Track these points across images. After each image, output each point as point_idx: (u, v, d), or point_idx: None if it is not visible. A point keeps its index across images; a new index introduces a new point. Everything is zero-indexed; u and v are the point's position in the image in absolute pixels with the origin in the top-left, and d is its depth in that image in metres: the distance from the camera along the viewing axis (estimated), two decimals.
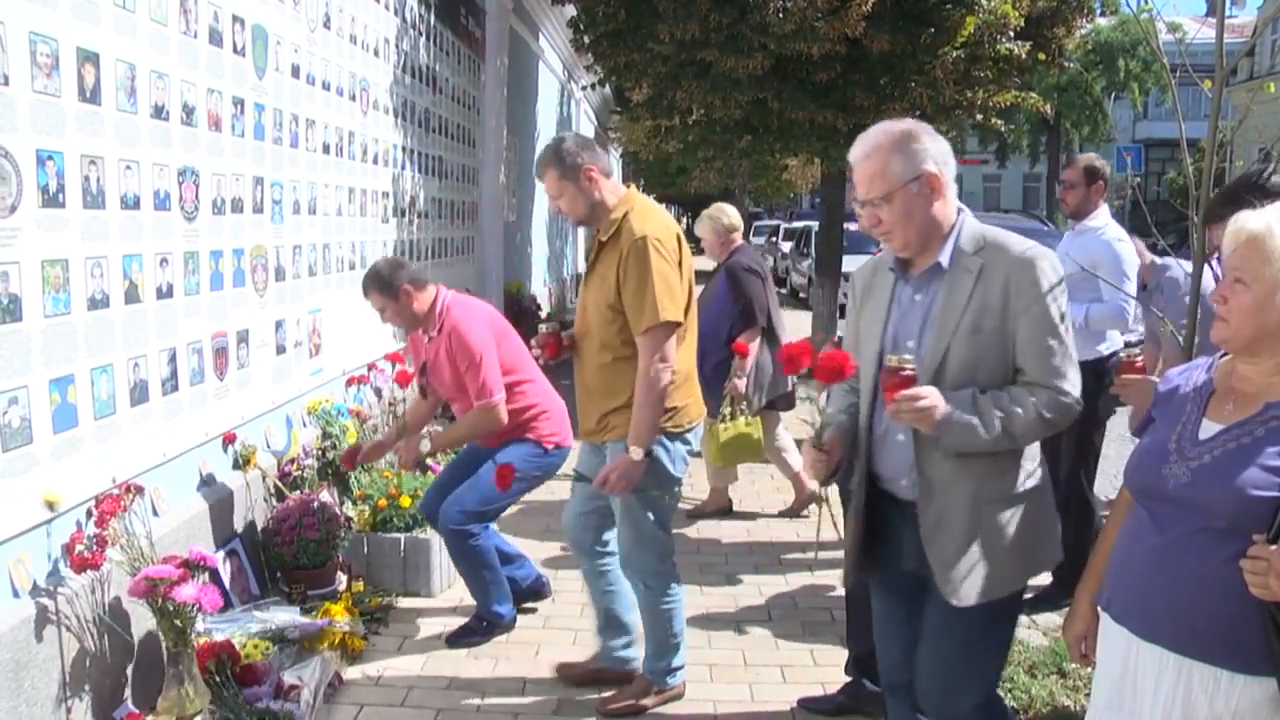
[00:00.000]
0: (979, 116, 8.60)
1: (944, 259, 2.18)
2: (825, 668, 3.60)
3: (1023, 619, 4.01)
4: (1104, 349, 4.14)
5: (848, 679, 3.33)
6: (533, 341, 3.26)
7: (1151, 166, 34.56)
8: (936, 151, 2.16)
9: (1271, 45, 28.01)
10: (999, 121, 8.91)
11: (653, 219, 3.01)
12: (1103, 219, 4.22)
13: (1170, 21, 4.61)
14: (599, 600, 3.40)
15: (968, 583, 2.16)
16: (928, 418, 2.04)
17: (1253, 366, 1.75)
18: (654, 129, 10.64)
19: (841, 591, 3.96)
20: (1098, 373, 4.08)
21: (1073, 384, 2.13)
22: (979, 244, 2.17)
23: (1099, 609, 1.94)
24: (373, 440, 4.18)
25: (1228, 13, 4.11)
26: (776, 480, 6.09)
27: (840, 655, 3.62)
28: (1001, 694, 3.39)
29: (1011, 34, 7.74)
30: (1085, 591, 2.07)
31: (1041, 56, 8.22)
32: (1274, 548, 1.54)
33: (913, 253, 2.21)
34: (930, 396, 2.05)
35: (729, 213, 5.07)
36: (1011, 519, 2.18)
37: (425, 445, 3.78)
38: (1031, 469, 2.24)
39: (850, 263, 4.83)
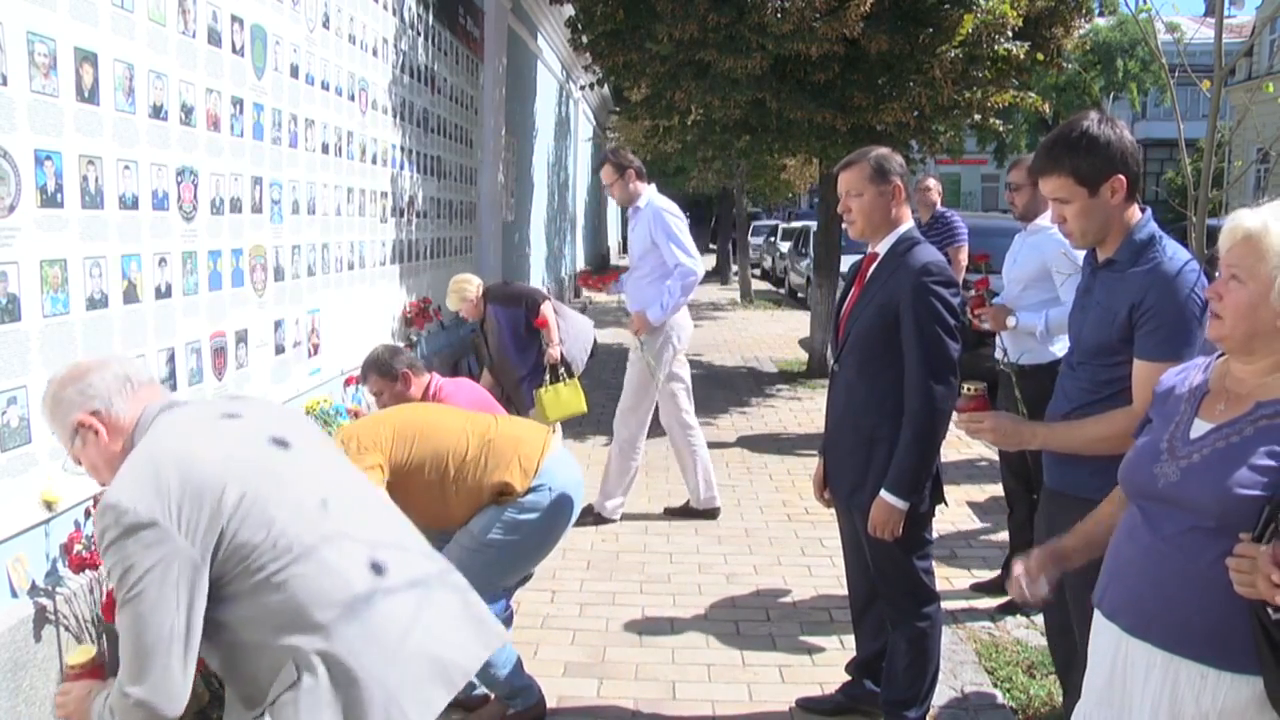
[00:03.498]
0: (977, 116, 8.59)
1: None
2: (823, 668, 3.60)
3: (1022, 619, 4.02)
4: (1059, 351, 4.15)
5: (847, 678, 3.33)
6: None
7: (1150, 166, 34.59)
8: None
9: (1270, 45, 28.05)
10: (997, 122, 8.90)
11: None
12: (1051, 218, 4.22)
13: (1169, 21, 4.61)
14: None
15: None
16: None
17: (1247, 366, 1.76)
18: (652, 129, 10.63)
19: (841, 591, 3.96)
20: (1053, 375, 4.12)
21: None
22: None
23: (1094, 604, 1.95)
24: None
25: (1226, 13, 4.12)
26: (775, 480, 6.10)
27: (838, 655, 3.62)
28: (999, 694, 3.41)
29: (1010, 34, 7.74)
30: (1058, 544, 2.09)
31: (1040, 56, 8.23)
32: (1261, 547, 1.55)
33: None
34: None
35: (469, 281, 5.64)
36: None
37: None
38: None
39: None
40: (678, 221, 5.19)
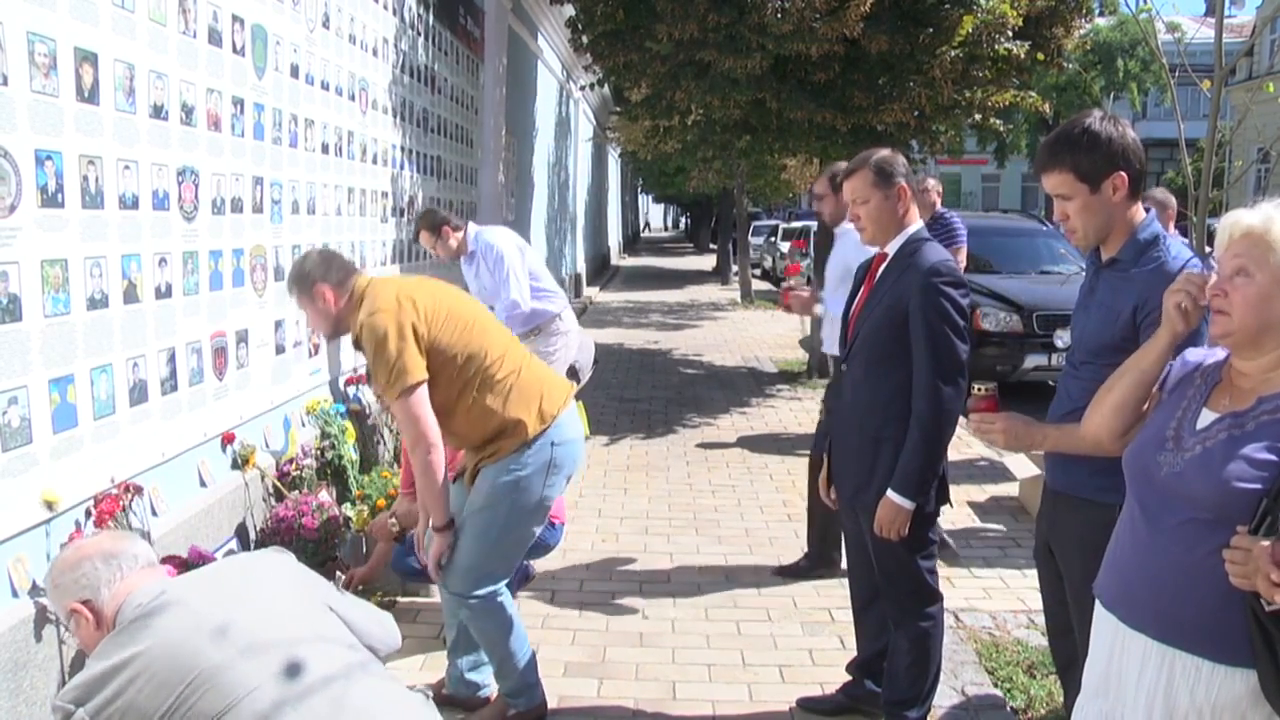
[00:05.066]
0: (978, 116, 8.60)
1: None
2: (824, 667, 3.60)
3: (1022, 618, 4.02)
4: None
5: (847, 678, 3.33)
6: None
7: (1150, 166, 34.48)
8: None
9: (1270, 45, 28.05)
10: (998, 121, 8.91)
11: (372, 298, 2.89)
12: None
13: (1169, 21, 4.63)
14: (451, 618, 3.25)
15: None
16: None
17: (1250, 363, 1.76)
18: (653, 129, 10.64)
19: (841, 591, 3.96)
20: None
21: None
22: None
23: (1095, 594, 1.96)
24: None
25: (1226, 12, 4.12)
26: (775, 480, 6.10)
27: (839, 655, 3.62)
28: (1000, 694, 3.41)
29: (1010, 34, 7.75)
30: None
31: (1040, 56, 8.23)
32: (1262, 542, 1.55)
33: None
34: None
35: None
36: None
37: (394, 525, 3.62)
38: None
39: None
40: (510, 253, 5.21)
